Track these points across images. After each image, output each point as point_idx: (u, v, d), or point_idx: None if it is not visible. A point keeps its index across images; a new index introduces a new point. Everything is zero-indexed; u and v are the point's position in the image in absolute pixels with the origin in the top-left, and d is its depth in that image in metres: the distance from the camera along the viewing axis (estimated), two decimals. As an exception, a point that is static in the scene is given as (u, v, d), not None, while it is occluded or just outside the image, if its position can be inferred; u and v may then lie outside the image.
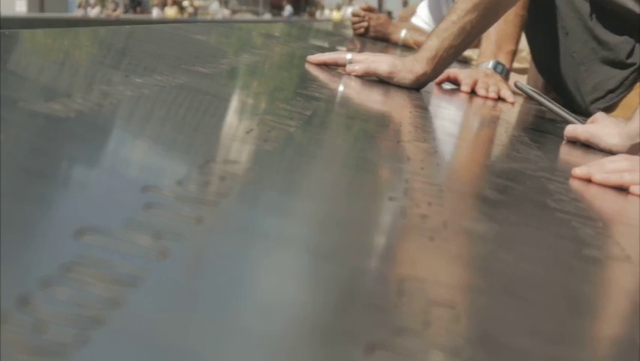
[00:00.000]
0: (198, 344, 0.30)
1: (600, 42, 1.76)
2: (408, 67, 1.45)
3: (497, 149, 1.19)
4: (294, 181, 0.66)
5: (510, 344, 0.39)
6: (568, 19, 1.78)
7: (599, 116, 1.27)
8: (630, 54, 1.74)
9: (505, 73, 1.77)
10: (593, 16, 1.75)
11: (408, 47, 2.70)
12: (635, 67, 1.75)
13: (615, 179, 0.90)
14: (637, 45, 1.74)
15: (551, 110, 1.48)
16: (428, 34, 1.57)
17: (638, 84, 1.75)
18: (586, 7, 1.76)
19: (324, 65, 1.47)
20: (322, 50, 1.92)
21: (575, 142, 1.24)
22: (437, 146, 0.99)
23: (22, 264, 0.33)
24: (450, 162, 0.96)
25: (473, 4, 1.46)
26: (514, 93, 1.71)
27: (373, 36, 2.85)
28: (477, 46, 1.89)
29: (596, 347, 0.44)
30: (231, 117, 0.86)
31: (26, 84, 0.78)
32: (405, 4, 18.67)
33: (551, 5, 1.80)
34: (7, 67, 0.83)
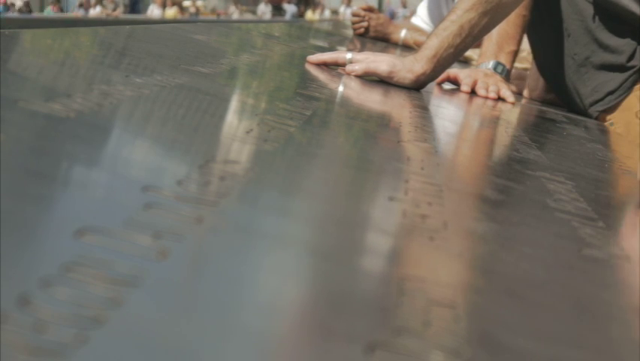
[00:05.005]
0: (198, 344, 0.30)
1: (602, 45, 1.76)
2: (408, 66, 1.45)
3: (497, 149, 1.19)
4: (294, 181, 0.66)
5: (510, 344, 0.39)
6: (570, 21, 1.78)
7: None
8: (631, 57, 1.74)
9: (505, 73, 1.76)
10: (596, 18, 1.75)
11: (408, 47, 2.70)
12: (635, 69, 1.75)
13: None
14: (638, 48, 1.74)
15: None
16: (428, 34, 1.57)
17: (637, 86, 1.75)
18: (589, 10, 1.75)
19: (324, 65, 1.47)
20: (322, 49, 1.92)
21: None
22: (437, 146, 0.99)
23: (22, 264, 0.33)
24: (450, 162, 0.96)
25: (472, 4, 1.46)
26: (513, 93, 1.71)
27: (373, 36, 2.84)
28: (478, 46, 1.89)
29: (597, 347, 0.44)
30: (231, 117, 0.86)
31: (26, 84, 0.78)
32: (404, 5, 18.65)
33: (554, 7, 1.80)
34: (7, 67, 0.83)
